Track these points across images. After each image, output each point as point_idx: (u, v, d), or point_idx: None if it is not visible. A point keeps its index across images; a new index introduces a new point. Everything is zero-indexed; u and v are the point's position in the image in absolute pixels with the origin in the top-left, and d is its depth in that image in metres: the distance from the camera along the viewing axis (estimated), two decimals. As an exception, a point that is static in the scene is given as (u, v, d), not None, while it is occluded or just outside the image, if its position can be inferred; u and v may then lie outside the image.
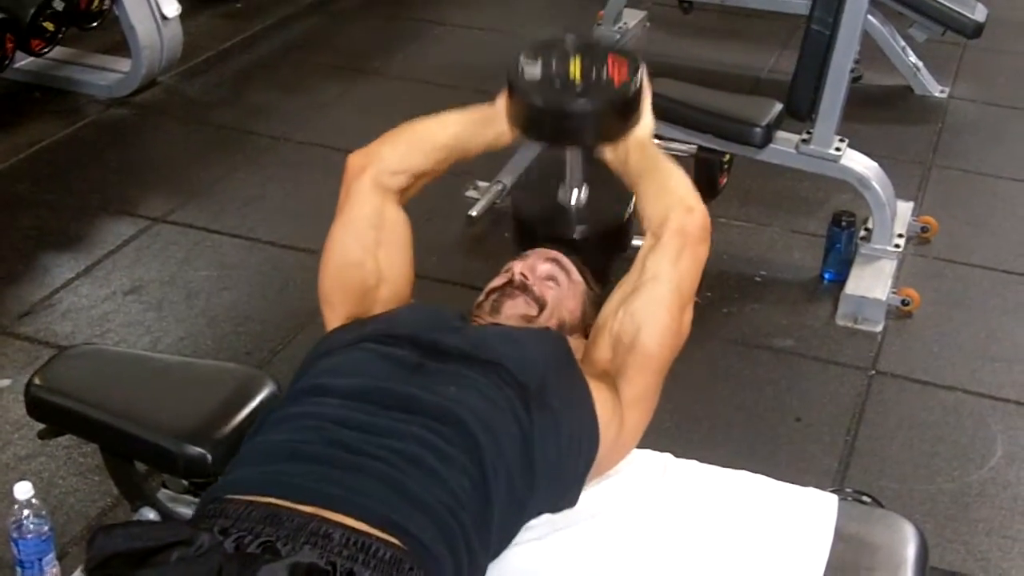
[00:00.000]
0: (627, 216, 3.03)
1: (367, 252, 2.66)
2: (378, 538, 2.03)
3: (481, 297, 2.76)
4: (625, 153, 2.64)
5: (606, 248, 2.94)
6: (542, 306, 2.69)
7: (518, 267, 2.76)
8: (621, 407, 2.47)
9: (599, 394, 2.44)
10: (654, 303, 2.47)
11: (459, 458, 2.20)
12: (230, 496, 2.13)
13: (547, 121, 2.63)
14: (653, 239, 2.53)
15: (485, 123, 2.70)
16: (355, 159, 2.71)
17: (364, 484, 2.12)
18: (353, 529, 2.03)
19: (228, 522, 2.05)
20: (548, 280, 2.75)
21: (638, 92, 2.63)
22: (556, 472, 2.34)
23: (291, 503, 2.06)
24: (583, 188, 3.01)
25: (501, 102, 2.67)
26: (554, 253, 2.82)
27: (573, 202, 3.05)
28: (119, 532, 2.10)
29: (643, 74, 2.63)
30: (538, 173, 2.93)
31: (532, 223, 2.99)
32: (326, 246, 2.69)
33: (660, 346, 2.48)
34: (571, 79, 2.58)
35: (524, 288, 2.71)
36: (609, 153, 2.68)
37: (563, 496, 2.41)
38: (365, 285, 2.66)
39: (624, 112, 2.63)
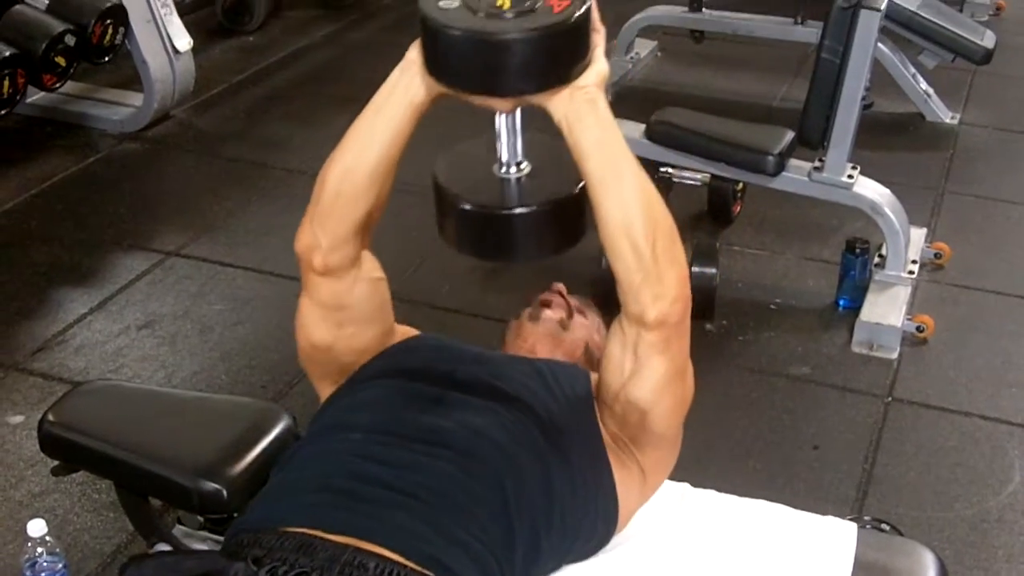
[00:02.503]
0: (578, 192, 2.25)
1: (334, 335, 2.49)
2: (413, 569, 2.01)
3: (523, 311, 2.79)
4: (573, 106, 2.12)
5: (555, 237, 2.28)
6: (571, 313, 2.73)
7: (556, 286, 2.82)
8: (643, 471, 2.43)
9: (616, 458, 2.39)
10: (655, 391, 2.30)
11: (484, 493, 2.19)
12: (261, 529, 2.11)
13: (467, 58, 2.10)
14: (635, 326, 2.24)
15: (396, 91, 2.28)
16: (299, 247, 2.48)
17: (396, 517, 2.10)
18: (388, 559, 2.01)
19: (261, 552, 2.03)
20: (578, 312, 2.79)
21: (584, 22, 2.10)
22: (571, 517, 2.31)
23: (324, 533, 2.05)
24: (523, 160, 2.29)
25: (413, 53, 2.24)
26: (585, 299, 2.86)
27: (511, 175, 2.29)
28: (150, 563, 2.09)
29: (591, 4, 2.10)
30: (471, 148, 2.35)
31: (458, 197, 2.26)
32: (296, 326, 2.53)
33: (669, 425, 2.39)
34: (497, 7, 2.08)
35: (561, 296, 2.78)
36: (554, 108, 2.14)
37: (579, 549, 2.39)
38: (340, 362, 2.53)
39: (566, 47, 2.11)
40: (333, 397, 2.49)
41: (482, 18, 2.06)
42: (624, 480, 2.38)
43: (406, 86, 2.24)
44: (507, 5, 2.07)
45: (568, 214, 2.25)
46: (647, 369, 2.26)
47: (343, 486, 2.17)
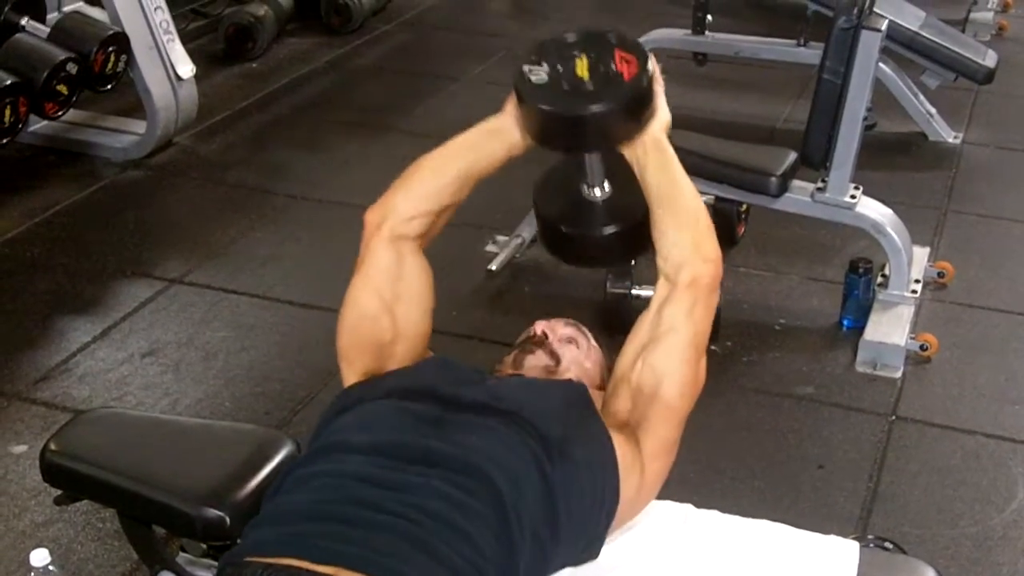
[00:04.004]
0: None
1: (383, 307, 2.62)
2: None
3: (507, 354, 2.79)
4: (643, 151, 2.54)
5: (632, 245, 2.73)
6: (557, 361, 2.72)
7: (540, 326, 2.81)
8: (642, 459, 2.45)
9: (620, 447, 2.42)
10: (673, 356, 2.45)
11: (483, 511, 2.18)
12: (249, 559, 2.10)
13: (561, 128, 2.52)
14: (667, 287, 2.49)
15: (496, 137, 2.65)
16: (371, 215, 2.65)
17: (388, 543, 2.09)
18: None
19: None
20: (568, 342, 2.79)
21: (650, 85, 2.50)
22: (578, 522, 2.32)
23: (311, 564, 2.04)
24: (604, 184, 2.71)
25: (510, 109, 2.62)
26: (574, 322, 2.87)
27: (597, 197, 2.72)
28: None
29: (653, 65, 2.51)
30: (561, 171, 2.81)
31: (556, 222, 2.74)
32: (345, 300, 2.64)
33: (682, 397, 2.46)
34: (579, 78, 2.47)
35: (542, 344, 2.75)
36: (628, 152, 2.56)
37: (585, 549, 2.39)
38: (381, 340, 2.62)
39: (639, 108, 2.52)
40: (332, 415, 2.49)
41: (568, 93, 2.47)
42: (625, 467, 2.41)
43: (507, 134, 2.64)
44: (587, 76, 2.47)
45: (642, 230, 2.60)
46: (669, 334, 2.46)
47: (337, 511, 2.16)
